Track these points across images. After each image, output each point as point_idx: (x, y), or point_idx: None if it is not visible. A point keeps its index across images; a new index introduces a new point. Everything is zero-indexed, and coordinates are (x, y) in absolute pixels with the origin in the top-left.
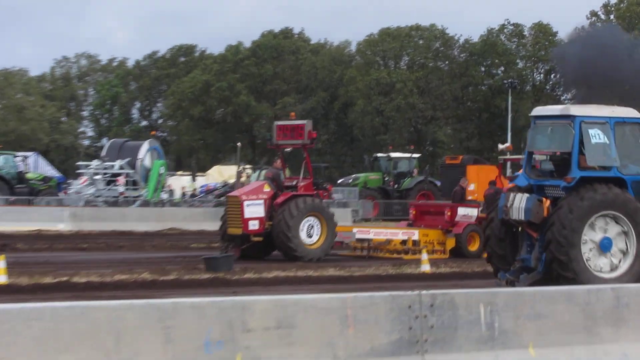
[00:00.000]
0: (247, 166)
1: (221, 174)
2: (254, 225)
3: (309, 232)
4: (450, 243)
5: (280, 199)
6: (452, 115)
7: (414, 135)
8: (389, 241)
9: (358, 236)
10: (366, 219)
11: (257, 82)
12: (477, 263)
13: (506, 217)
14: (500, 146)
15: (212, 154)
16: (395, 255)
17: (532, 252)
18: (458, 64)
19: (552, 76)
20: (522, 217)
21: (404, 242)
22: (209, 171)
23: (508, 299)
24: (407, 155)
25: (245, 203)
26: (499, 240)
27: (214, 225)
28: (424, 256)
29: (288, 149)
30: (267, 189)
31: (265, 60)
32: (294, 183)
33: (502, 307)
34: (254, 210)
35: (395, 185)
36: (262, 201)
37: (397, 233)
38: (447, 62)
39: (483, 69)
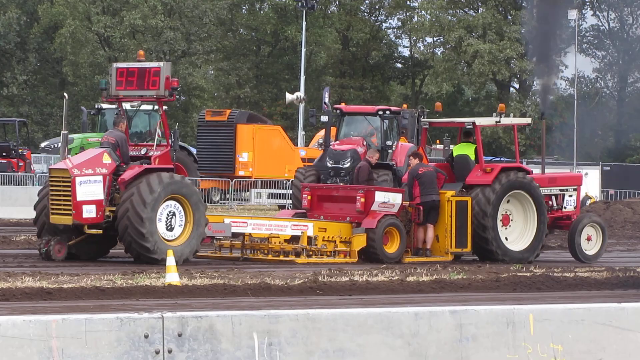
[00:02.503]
0: None
1: None
2: (89, 212)
3: (169, 223)
4: (359, 242)
5: (127, 175)
6: (217, 48)
7: None
8: (269, 238)
9: (233, 230)
10: None
11: None
12: (249, 274)
13: None
14: (290, 97)
15: None
16: (282, 258)
17: None
18: None
19: None
20: None
21: (293, 238)
22: None
23: (296, 327)
24: (147, 107)
25: (78, 180)
26: None
27: None
28: (170, 261)
29: (134, 104)
30: (107, 159)
31: None
32: (143, 152)
33: (288, 338)
34: (90, 190)
35: None
36: (100, 177)
37: (284, 226)
38: None
39: None
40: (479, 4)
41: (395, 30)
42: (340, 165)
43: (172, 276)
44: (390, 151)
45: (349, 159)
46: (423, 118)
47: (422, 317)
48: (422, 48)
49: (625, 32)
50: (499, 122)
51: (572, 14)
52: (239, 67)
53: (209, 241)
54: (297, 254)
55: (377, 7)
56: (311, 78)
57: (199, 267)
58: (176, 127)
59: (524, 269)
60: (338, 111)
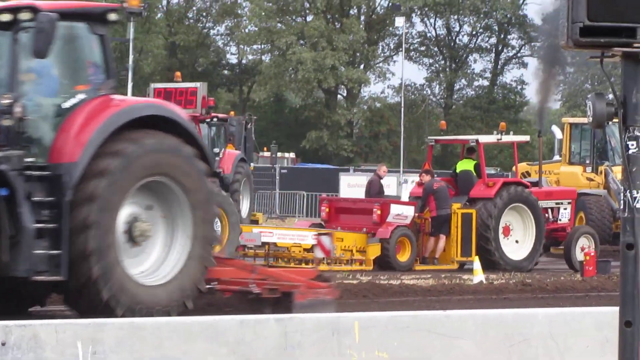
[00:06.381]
0: None
1: None
2: None
3: None
4: (374, 251)
5: None
6: None
7: None
8: (289, 248)
9: (263, 239)
10: None
11: None
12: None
13: None
14: None
15: None
16: (303, 266)
17: None
18: None
19: None
20: None
21: (314, 247)
22: None
23: (121, 336)
24: None
25: None
26: None
27: None
28: None
29: None
30: None
31: None
32: None
33: (113, 347)
34: None
35: None
36: None
37: (306, 236)
38: None
39: None
40: (307, 12)
41: (223, 37)
42: None
43: None
44: (217, 158)
45: None
46: (250, 125)
47: (247, 325)
48: (250, 57)
49: (452, 39)
50: (500, 139)
51: (400, 21)
52: None
53: (241, 249)
54: (318, 262)
55: (204, 14)
56: (138, 85)
57: None
58: None
59: (350, 277)
60: None
